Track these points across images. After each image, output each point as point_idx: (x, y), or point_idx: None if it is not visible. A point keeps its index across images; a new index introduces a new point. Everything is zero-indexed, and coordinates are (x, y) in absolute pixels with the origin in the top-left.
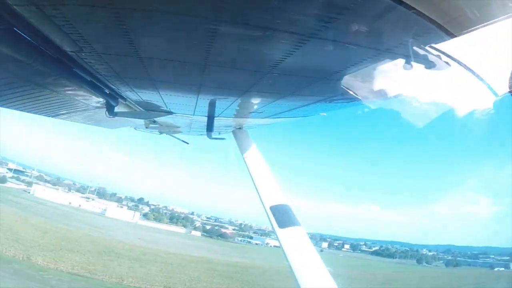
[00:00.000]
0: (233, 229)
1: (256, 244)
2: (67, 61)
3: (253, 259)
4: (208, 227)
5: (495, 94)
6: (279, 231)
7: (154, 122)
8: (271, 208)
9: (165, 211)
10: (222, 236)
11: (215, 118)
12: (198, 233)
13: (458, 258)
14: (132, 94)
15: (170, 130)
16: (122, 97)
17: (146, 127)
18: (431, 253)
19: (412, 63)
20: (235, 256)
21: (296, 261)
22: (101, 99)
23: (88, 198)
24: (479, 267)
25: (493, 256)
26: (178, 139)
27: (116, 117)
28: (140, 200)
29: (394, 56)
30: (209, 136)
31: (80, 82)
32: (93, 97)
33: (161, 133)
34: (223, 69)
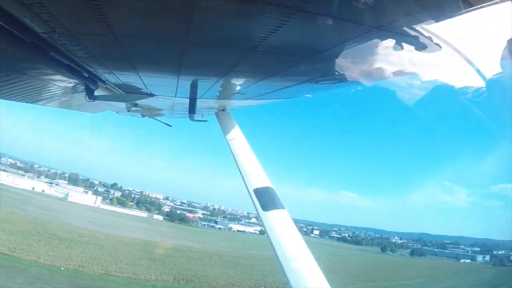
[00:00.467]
0: (203, 214)
1: (219, 228)
2: (40, 43)
3: (202, 243)
4: (175, 211)
5: (483, 77)
6: (263, 214)
7: (136, 105)
8: (255, 191)
9: (137, 196)
10: (184, 220)
11: (197, 100)
12: (160, 217)
13: (426, 248)
14: (111, 77)
15: (152, 113)
16: (102, 80)
17: (128, 111)
18: (401, 241)
19: (402, 43)
20: (185, 239)
21: (279, 244)
22: (80, 83)
23: (52, 184)
24: (445, 257)
25: (463, 246)
26: (161, 122)
27: (97, 101)
28: (113, 186)
29: (384, 35)
30: (192, 119)
31: (56, 66)
32: (72, 81)
33: (143, 116)
34: (204, 47)
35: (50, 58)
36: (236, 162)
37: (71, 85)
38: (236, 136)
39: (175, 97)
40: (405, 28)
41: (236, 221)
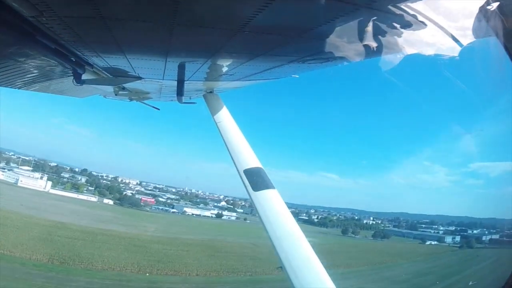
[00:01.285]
0: (169, 199)
1: (173, 212)
2: (28, 27)
3: (136, 227)
4: (128, 196)
5: (460, 45)
6: (253, 194)
7: (123, 89)
8: (245, 171)
9: (105, 181)
10: (134, 204)
11: (185, 82)
12: (111, 202)
13: (396, 229)
14: (98, 60)
15: (140, 96)
16: (89, 64)
17: (116, 95)
18: (373, 222)
19: (388, 21)
20: (115, 223)
21: (270, 223)
22: (67, 67)
23: (4, 169)
24: (412, 239)
25: (436, 226)
26: (149, 105)
27: (84, 85)
28: (83, 171)
29: (369, 14)
30: (180, 101)
31: (43, 50)
32: (59, 65)
33: (130, 100)
34: (191, 28)
35: (38, 42)
36: (225, 144)
37: (58, 69)
38: (225, 118)
39: (163, 79)
40: (390, 7)
41: (202, 205)
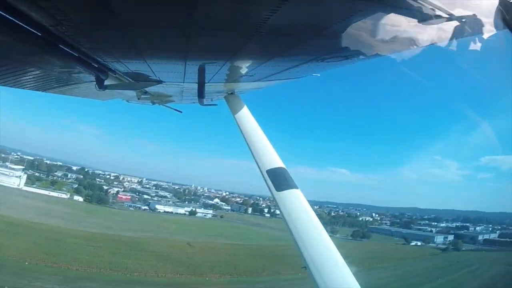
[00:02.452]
0: (159, 196)
1: (144, 210)
2: (48, 36)
3: (77, 222)
4: (98, 193)
5: (480, 38)
6: (276, 194)
7: (146, 93)
8: (268, 171)
9: (100, 179)
10: (103, 201)
11: (205, 84)
12: (81, 199)
13: (385, 226)
14: (119, 65)
15: (162, 100)
16: (111, 70)
17: (138, 99)
18: (372, 218)
19: (405, 16)
20: (61, 218)
21: (294, 224)
22: (89, 73)
23: None
24: (396, 238)
25: (435, 223)
26: (171, 108)
27: (107, 90)
28: (80, 170)
29: (386, 9)
30: (201, 103)
31: (65, 58)
32: (81, 71)
33: (153, 103)
34: (208, 31)
35: (59, 50)
36: (247, 145)
37: (81, 75)
38: (247, 119)
39: (184, 82)
40: (407, 0)
41: (186, 202)
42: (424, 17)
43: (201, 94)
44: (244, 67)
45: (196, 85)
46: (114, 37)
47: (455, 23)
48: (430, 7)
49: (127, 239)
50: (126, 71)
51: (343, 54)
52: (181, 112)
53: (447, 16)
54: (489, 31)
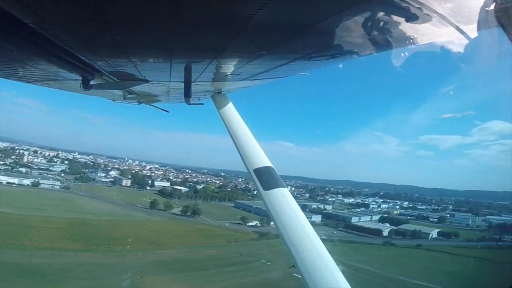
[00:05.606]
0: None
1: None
2: (31, 34)
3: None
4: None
5: (468, 38)
6: (264, 193)
7: (131, 92)
8: (255, 170)
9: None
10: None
11: (192, 83)
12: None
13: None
14: (104, 64)
15: (149, 99)
16: (95, 69)
17: (124, 98)
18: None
19: (393, 14)
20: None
21: (282, 223)
22: (74, 72)
23: None
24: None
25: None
26: (158, 107)
27: (92, 90)
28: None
29: (374, 7)
30: (188, 103)
31: (48, 56)
32: (65, 70)
33: (139, 103)
34: (193, 29)
35: (42, 48)
36: (234, 144)
37: (65, 73)
38: (234, 118)
39: (170, 81)
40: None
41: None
42: (411, 16)
43: (187, 93)
44: (231, 65)
45: (182, 84)
46: (97, 35)
47: (442, 22)
48: (417, 5)
49: None
50: (110, 70)
51: (330, 53)
52: (168, 112)
53: (435, 14)
54: (478, 28)
